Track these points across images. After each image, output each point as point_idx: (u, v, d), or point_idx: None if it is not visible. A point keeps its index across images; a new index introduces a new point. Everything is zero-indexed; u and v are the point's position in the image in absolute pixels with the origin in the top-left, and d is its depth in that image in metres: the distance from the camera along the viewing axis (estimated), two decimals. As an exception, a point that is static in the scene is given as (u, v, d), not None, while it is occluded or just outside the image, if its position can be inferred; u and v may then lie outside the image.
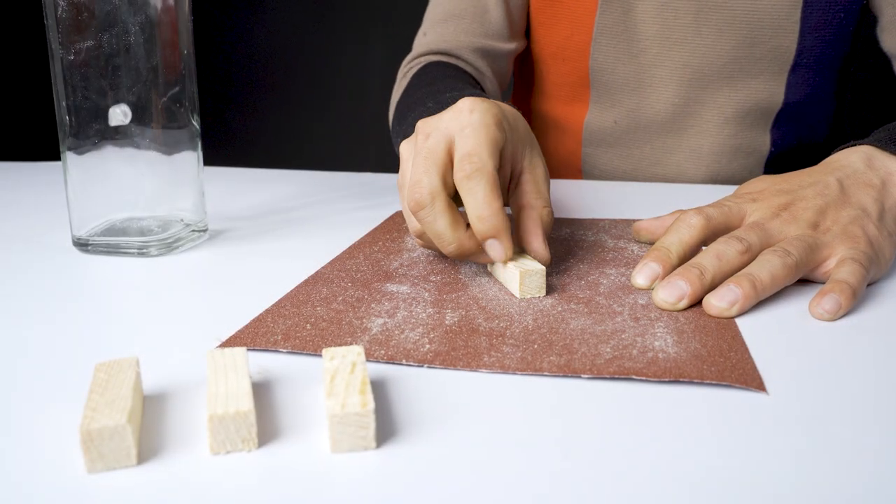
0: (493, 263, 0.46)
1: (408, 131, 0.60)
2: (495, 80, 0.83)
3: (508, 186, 0.49)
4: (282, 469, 0.28)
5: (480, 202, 0.42)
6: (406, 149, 0.49)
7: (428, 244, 0.48)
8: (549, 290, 0.45)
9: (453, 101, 0.58)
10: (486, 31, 0.80)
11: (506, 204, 0.48)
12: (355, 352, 0.33)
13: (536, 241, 0.46)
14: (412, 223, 0.47)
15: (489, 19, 0.80)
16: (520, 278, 0.43)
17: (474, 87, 0.73)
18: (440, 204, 0.43)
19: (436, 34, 0.81)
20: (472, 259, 0.46)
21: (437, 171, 0.44)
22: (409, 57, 0.84)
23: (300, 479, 0.27)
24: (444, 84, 0.70)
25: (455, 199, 0.45)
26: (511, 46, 0.82)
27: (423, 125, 0.47)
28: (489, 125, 0.44)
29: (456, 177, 0.44)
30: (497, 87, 0.84)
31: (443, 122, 0.46)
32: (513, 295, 0.44)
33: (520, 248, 0.47)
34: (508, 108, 0.50)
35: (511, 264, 0.44)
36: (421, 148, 0.45)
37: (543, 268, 0.44)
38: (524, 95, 0.92)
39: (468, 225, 0.44)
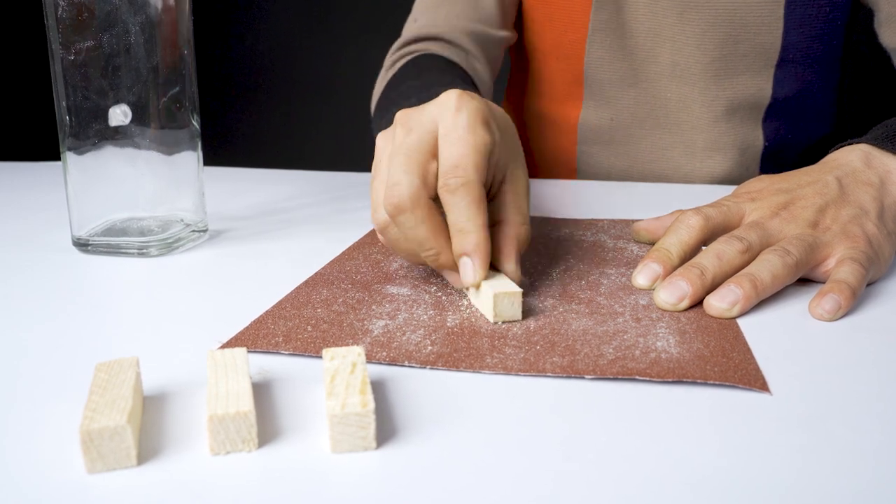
0: (465, 287, 0.43)
1: (388, 125, 0.57)
2: (488, 66, 0.82)
3: (488, 194, 0.45)
4: (282, 469, 0.28)
5: (463, 217, 0.40)
6: (383, 140, 0.45)
7: (391, 243, 0.44)
8: (549, 292, 0.45)
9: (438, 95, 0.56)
10: (479, 17, 0.80)
11: None
12: (355, 352, 0.33)
13: (509, 263, 0.43)
14: (380, 217, 0.43)
15: (482, 5, 0.81)
16: (493, 301, 0.39)
17: (464, 80, 0.71)
18: (422, 210, 0.40)
19: (428, 19, 0.81)
20: (445, 274, 0.44)
21: (419, 171, 0.41)
22: (397, 43, 0.83)
23: (300, 480, 0.27)
24: (430, 77, 0.68)
25: (436, 200, 0.42)
26: (503, 34, 0.82)
27: (403, 117, 0.44)
28: (476, 127, 0.41)
29: (440, 188, 0.41)
30: (489, 73, 0.83)
31: (426, 117, 0.43)
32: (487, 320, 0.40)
33: (493, 268, 0.43)
34: (498, 109, 0.46)
35: (485, 284, 0.41)
36: (401, 144, 0.42)
37: (520, 290, 0.40)
38: (518, 94, 0.92)
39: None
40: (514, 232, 0.43)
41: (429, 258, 0.42)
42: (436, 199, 0.42)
